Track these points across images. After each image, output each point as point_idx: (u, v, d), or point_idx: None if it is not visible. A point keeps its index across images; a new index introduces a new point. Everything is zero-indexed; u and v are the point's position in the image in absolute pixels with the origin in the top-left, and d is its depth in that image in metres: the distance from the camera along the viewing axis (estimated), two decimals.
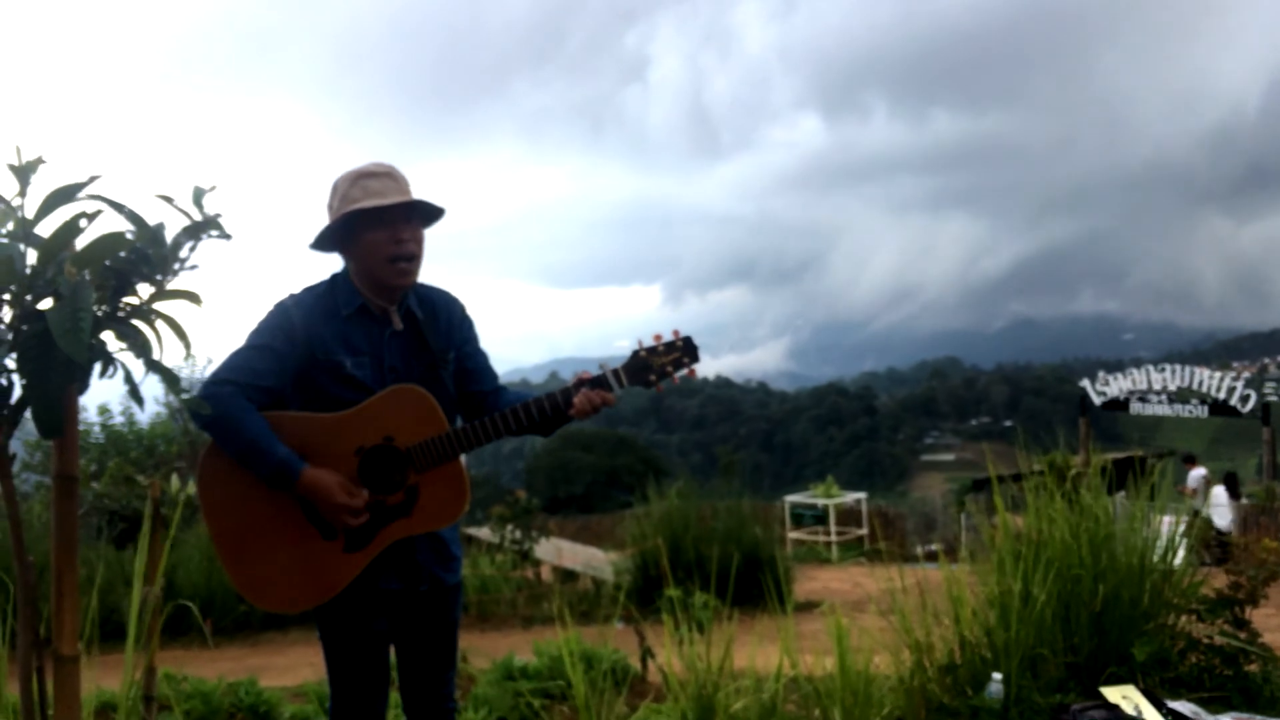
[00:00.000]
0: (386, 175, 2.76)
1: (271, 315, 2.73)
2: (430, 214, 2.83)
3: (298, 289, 2.82)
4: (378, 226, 2.70)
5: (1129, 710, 4.18)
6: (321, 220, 2.80)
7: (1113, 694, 4.32)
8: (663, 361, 2.75)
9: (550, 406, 2.72)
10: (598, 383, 2.73)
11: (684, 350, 2.76)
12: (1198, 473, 16.32)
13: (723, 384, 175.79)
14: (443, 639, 2.97)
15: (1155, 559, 4.83)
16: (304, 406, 2.72)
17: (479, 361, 2.99)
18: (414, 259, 2.76)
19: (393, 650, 2.96)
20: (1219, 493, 15.79)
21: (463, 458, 2.73)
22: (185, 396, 2.24)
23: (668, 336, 2.77)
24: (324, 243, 2.81)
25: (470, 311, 3.02)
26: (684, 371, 2.77)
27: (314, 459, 2.64)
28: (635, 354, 2.76)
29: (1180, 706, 4.24)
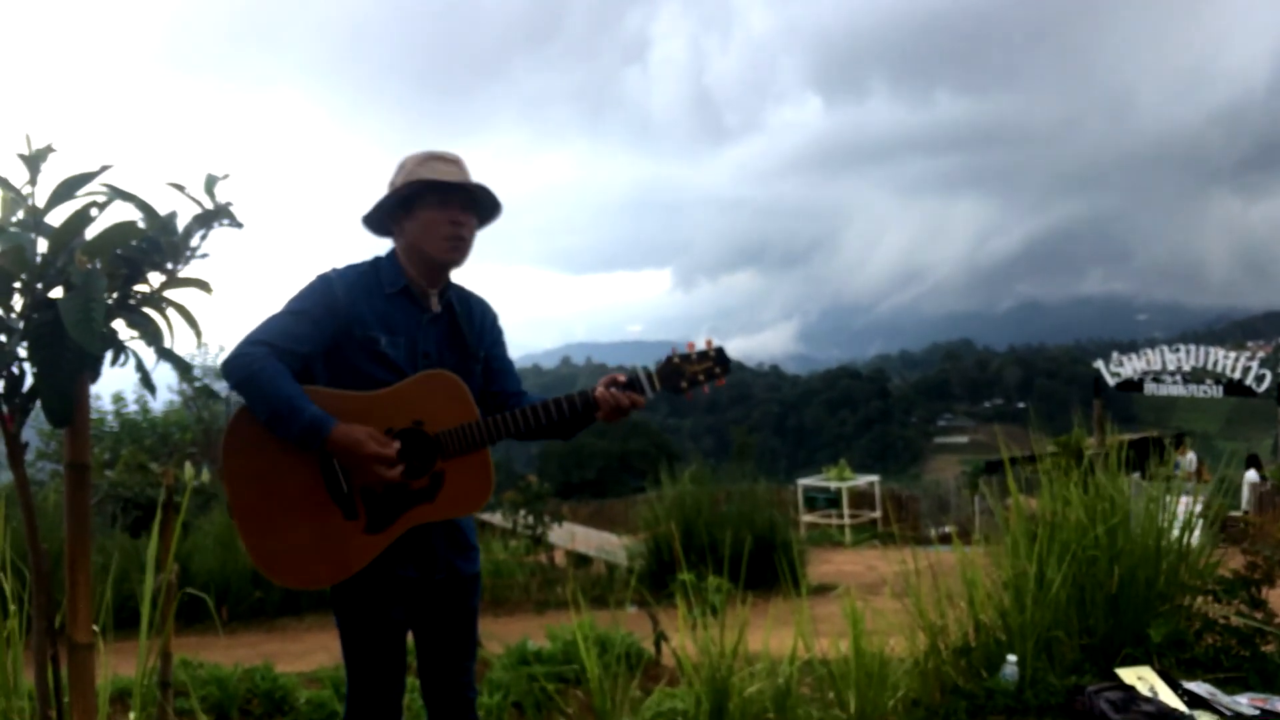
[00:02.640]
0: (455, 163, 2.79)
1: (313, 284, 2.74)
2: (488, 211, 2.87)
3: (340, 265, 2.84)
4: (438, 205, 2.73)
5: (1145, 691, 4.17)
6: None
7: (1128, 675, 4.31)
8: (695, 370, 2.78)
9: (581, 403, 2.74)
10: (630, 385, 2.75)
11: (716, 360, 2.80)
12: (1188, 457, 16.55)
13: (735, 367, 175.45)
14: (461, 628, 2.96)
15: (1171, 540, 4.81)
16: (331, 381, 2.71)
17: (504, 364, 3.03)
18: (466, 242, 2.79)
19: (412, 638, 2.97)
20: (1251, 475, 16.13)
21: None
22: (199, 383, 2.23)
23: (700, 345, 2.80)
24: (378, 214, 2.84)
25: (500, 322, 3.08)
26: (714, 382, 2.81)
27: None
28: (669, 359, 2.79)
29: (1196, 687, 4.22)
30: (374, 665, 2.84)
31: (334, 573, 2.71)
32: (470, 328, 2.90)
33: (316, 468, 2.66)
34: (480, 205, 2.84)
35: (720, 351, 2.80)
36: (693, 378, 2.77)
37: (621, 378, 2.76)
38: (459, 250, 2.78)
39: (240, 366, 2.54)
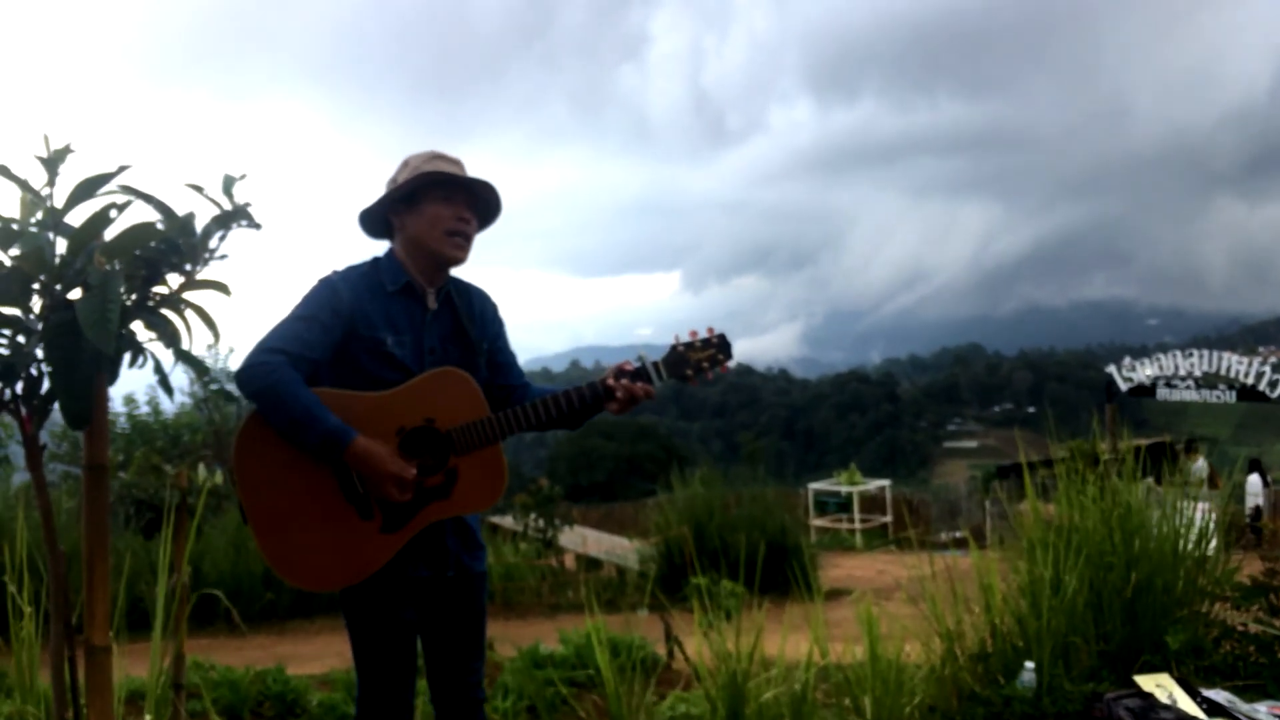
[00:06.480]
0: (458, 164, 2.83)
1: (318, 288, 2.74)
2: (488, 213, 2.90)
3: (340, 266, 2.84)
4: (444, 200, 2.76)
5: (1163, 699, 4.14)
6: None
7: (1147, 682, 4.28)
8: (699, 357, 2.79)
9: (592, 395, 2.74)
10: (638, 375, 2.75)
11: (719, 347, 2.80)
12: (1199, 464, 16.46)
13: (744, 371, 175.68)
14: (470, 628, 2.96)
15: (1188, 546, 4.78)
16: (338, 382, 2.71)
17: (508, 357, 3.04)
18: (469, 239, 2.82)
19: (420, 639, 2.96)
20: (1254, 481, 16.01)
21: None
22: (214, 387, 2.22)
23: (703, 333, 2.80)
24: (380, 209, 2.84)
25: (501, 312, 3.08)
26: (718, 369, 2.81)
27: None
28: (673, 348, 2.79)
29: (1215, 695, 4.19)
30: (385, 666, 2.83)
31: (352, 573, 2.71)
32: (471, 321, 2.91)
33: (329, 469, 2.66)
34: (481, 207, 2.86)
35: (722, 337, 2.81)
36: (698, 365, 2.78)
37: (629, 366, 2.77)
38: (461, 248, 2.81)
39: (257, 376, 2.53)
